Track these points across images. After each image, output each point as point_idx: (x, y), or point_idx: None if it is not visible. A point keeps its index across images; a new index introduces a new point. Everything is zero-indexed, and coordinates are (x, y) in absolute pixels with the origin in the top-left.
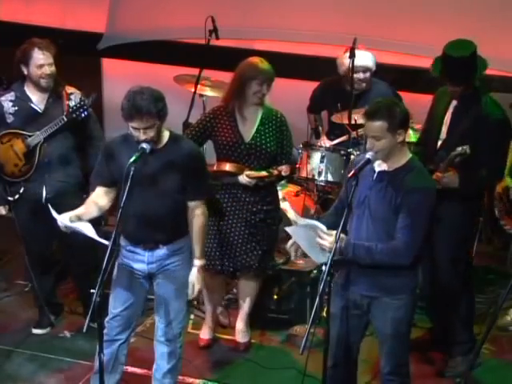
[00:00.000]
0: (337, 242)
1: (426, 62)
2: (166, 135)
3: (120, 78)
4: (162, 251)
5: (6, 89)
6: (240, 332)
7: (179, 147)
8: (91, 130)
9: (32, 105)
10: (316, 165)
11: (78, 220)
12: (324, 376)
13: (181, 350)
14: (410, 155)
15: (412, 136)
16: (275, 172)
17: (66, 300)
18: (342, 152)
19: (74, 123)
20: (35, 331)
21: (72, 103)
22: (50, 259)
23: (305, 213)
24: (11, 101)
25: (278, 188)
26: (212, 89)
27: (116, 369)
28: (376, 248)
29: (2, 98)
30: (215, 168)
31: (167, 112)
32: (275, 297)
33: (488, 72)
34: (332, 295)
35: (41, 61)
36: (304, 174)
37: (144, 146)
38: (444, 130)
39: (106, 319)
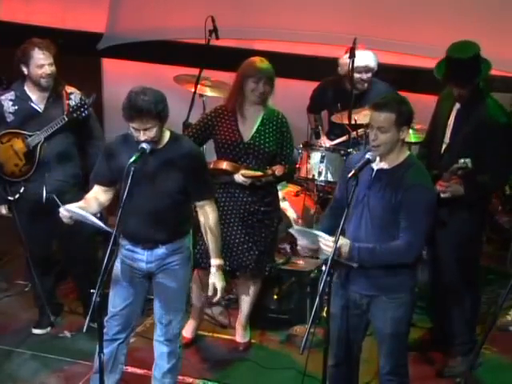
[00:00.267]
0: (336, 242)
1: (426, 62)
2: (166, 135)
3: (120, 78)
4: (161, 250)
5: (5, 89)
6: (240, 332)
7: (180, 147)
8: (91, 129)
9: (32, 104)
10: (316, 165)
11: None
12: (324, 376)
13: (180, 350)
14: (408, 153)
15: (412, 136)
16: (269, 172)
17: (65, 300)
18: (342, 152)
19: (74, 123)
20: (35, 331)
21: (72, 103)
22: (50, 259)
23: (305, 213)
24: (11, 100)
25: (278, 188)
26: (212, 89)
27: (115, 368)
28: (380, 248)
29: (2, 98)
30: (212, 166)
31: (168, 113)
32: (275, 297)
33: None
34: (332, 295)
35: (41, 61)
36: (304, 174)
37: (144, 145)
38: (448, 133)
39: (106, 318)
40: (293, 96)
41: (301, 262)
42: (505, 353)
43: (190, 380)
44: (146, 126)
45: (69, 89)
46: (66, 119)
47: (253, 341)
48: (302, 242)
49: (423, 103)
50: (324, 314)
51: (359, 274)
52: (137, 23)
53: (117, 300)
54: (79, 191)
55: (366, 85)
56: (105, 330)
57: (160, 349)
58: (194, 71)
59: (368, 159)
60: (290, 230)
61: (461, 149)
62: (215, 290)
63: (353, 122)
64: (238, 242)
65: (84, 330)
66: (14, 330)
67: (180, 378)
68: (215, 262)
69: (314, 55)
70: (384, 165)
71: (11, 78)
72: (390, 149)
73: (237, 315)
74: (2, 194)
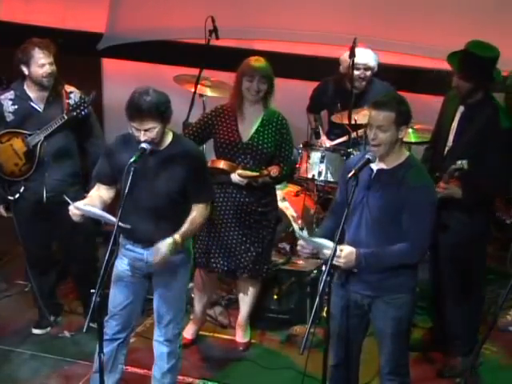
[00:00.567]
0: (336, 243)
1: (425, 62)
2: (169, 137)
3: (120, 78)
4: None
5: (5, 88)
6: (240, 332)
7: (181, 149)
8: (91, 128)
9: (32, 104)
10: (316, 165)
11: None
12: (324, 376)
13: (180, 350)
14: (408, 153)
15: (412, 136)
16: (264, 172)
17: (65, 300)
18: (342, 152)
19: (74, 121)
20: (35, 331)
21: (72, 102)
22: (50, 259)
23: (305, 213)
24: (11, 100)
25: (278, 188)
26: (212, 89)
27: (115, 368)
28: (385, 252)
29: (2, 97)
30: (209, 165)
31: (171, 115)
32: (275, 297)
33: None
34: (332, 295)
35: (42, 60)
36: (304, 174)
37: (144, 145)
38: (451, 136)
39: (106, 318)
40: (293, 96)
41: (301, 262)
42: (505, 353)
43: (190, 380)
44: (147, 127)
45: (68, 88)
46: (66, 118)
47: (253, 341)
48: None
49: (423, 103)
50: (324, 314)
51: (360, 274)
52: (137, 23)
53: (117, 300)
54: (79, 190)
55: (363, 83)
56: (105, 330)
57: (160, 349)
58: (194, 71)
59: (368, 159)
60: (297, 235)
61: (463, 152)
62: (157, 251)
63: (353, 122)
64: (236, 243)
65: (84, 330)
66: (14, 330)
67: (180, 377)
68: (176, 236)
69: (313, 55)
70: (384, 165)
71: (11, 77)
72: (389, 148)
73: (237, 315)
74: (1, 193)
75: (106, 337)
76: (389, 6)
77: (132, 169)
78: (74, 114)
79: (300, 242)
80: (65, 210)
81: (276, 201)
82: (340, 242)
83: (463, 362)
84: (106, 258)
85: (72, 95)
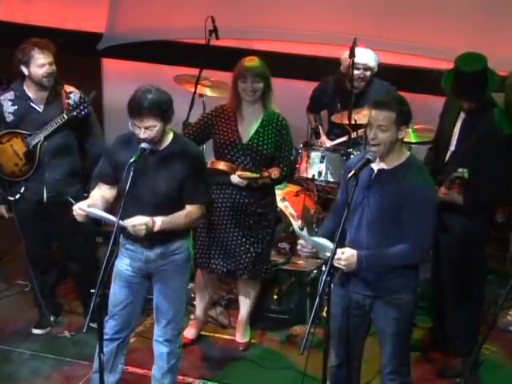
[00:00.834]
0: (336, 242)
1: (426, 62)
2: (169, 136)
3: (120, 78)
4: (158, 251)
5: (5, 89)
6: (240, 332)
7: (181, 149)
8: (91, 128)
9: (32, 104)
10: (316, 165)
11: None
12: (324, 376)
13: (180, 350)
14: (409, 153)
15: (412, 136)
16: (265, 174)
17: (65, 300)
18: (342, 152)
19: (73, 121)
20: (35, 331)
21: (71, 102)
22: (50, 259)
23: (305, 213)
24: (10, 100)
25: (279, 188)
26: (212, 89)
27: (115, 368)
28: (387, 253)
29: (2, 98)
30: (209, 165)
31: (172, 115)
32: (275, 297)
33: None
34: (333, 295)
35: (41, 60)
36: (304, 174)
37: (144, 145)
38: (453, 141)
39: (105, 318)
40: (293, 96)
41: (301, 261)
42: (505, 353)
43: (190, 380)
44: (147, 125)
45: (68, 88)
46: (66, 118)
47: (253, 341)
48: (303, 243)
49: (423, 103)
50: (324, 314)
51: (361, 275)
52: (137, 23)
53: (117, 300)
54: (79, 190)
55: (363, 83)
56: (104, 330)
57: (159, 349)
58: (194, 71)
59: (368, 159)
60: (297, 234)
61: (465, 157)
62: (135, 219)
63: (353, 122)
64: (236, 244)
65: (84, 330)
66: (14, 330)
67: (180, 377)
68: (157, 219)
69: (313, 55)
70: (384, 165)
71: (11, 77)
72: (389, 148)
73: (237, 315)
74: (2, 194)
75: (105, 337)
76: (389, 6)
77: (132, 169)
78: (74, 113)
79: (300, 241)
80: (65, 210)
81: (275, 201)
82: (341, 242)
83: (463, 362)
84: (106, 257)
85: (72, 95)
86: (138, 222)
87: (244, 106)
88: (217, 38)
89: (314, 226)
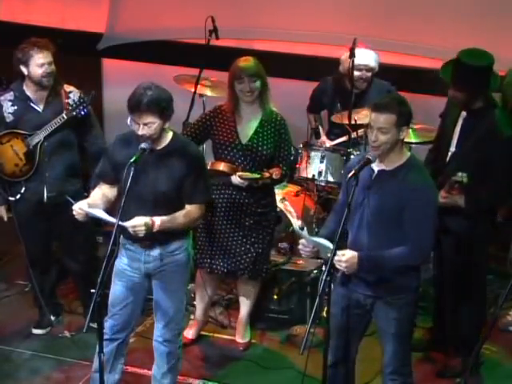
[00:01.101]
0: (336, 242)
1: (426, 62)
2: (168, 136)
3: (120, 78)
4: (158, 251)
5: (5, 89)
6: (240, 332)
7: (181, 148)
8: (91, 127)
9: (31, 104)
10: (316, 165)
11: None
12: (324, 376)
13: (180, 351)
14: (409, 154)
15: (412, 136)
16: (266, 174)
17: (65, 300)
18: (342, 152)
19: (73, 121)
20: (35, 331)
21: (71, 101)
22: (51, 259)
23: (305, 213)
24: (10, 100)
25: (279, 188)
26: (212, 89)
27: (115, 368)
28: (388, 256)
29: (1, 98)
30: (209, 167)
31: (171, 113)
32: (275, 297)
33: None
34: (333, 295)
35: (41, 60)
36: (304, 174)
37: (144, 145)
38: (454, 142)
39: (105, 318)
40: (293, 96)
41: (301, 261)
42: (505, 353)
43: (190, 380)
44: (146, 121)
45: (68, 88)
46: (65, 118)
47: (253, 341)
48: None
49: (423, 103)
50: (324, 314)
51: (362, 275)
52: (137, 23)
53: (116, 300)
54: (80, 190)
55: (365, 84)
56: (104, 330)
57: (159, 349)
58: (194, 71)
59: (368, 159)
60: (297, 233)
61: (465, 158)
62: (135, 220)
63: (353, 122)
64: (236, 244)
65: (84, 330)
66: (14, 330)
67: (180, 377)
68: (157, 219)
69: (314, 55)
70: (385, 165)
71: (11, 77)
72: (390, 149)
73: (237, 315)
74: (2, 194)
75: (105, 337)
76: (389, 6)
77: (132, 169)
78: (74, 113)
79: (302, 240)
80: (65, 210)
81: (275, 201)
82: (342, 242)
83: (463, 362)
84: (106, 258)
85: (71, 95)
86: (137, 223)
87: (242, 106)
88: (217, 38)
89: (314, 226)
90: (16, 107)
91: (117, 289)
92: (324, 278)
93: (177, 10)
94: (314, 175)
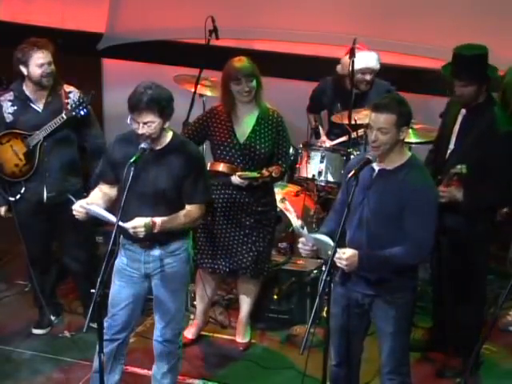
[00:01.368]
0: (336, 242)
1: (426, 62)
2: (168, 136)
3: (120, 78)
4: (157, 251)
5: (5, 89)
6: (240, 332)
7: (180, 149)
8: (91, 128)
9: (31, 104)
10: (316, 165)
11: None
12: (324, 376)
13: (180, 351)
14: (410, 154)
15: (412, 136)
16: (266, 173)
17: (65, 300)
18: (342, 152)
19: (73, 121)
20: (35, 331)
21: (71, 101)
22: (50, 259)
23: (305, 213)
24: (10, 101)
25: (279, 188)
26: (212, 89)
27: (115, 369)
28: (389, 255)
29: (1, 98)
30: (208, 168)
31: (171, 113)
32: (275, 297)
33: None
34: (333, 294)
35: (40, 60)
36: (304, 174)
37: (144, 145)
38: (453, 139)
39: (105, 318)
40: (293, 96)
41: (301, 261)
42: (505, 353)
43: (190, 380)
44: (145, 120)
45: (67, 88)
46: (65, 118)
47: (253, 341)
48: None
49: (423, 103)
50: (324, 314)
51: (361, 274)
52: (137, 23)
53: (116, 300)
54: (80, 189)
55: (368, 86)
56: (104, 330)
57: (159, 349)
58: (194, 71)
59: (368, 159)
60: (296, 231)
61: (465, 155)
62: (135, 221)
63: (353, 122)
64: (237, 244)
65: (84, 330)
66: (14, 330)
67: (180, 377)
68: (157, 219)
69: (314, 55)
70: (385, 165)
71: (11, 77)
72: (390, 149)
73: (237, 315)
74: (2, 194)
75: (105, 337)
76: (389, 6)
77: (132, 169)
78: (73, 113)
79: (301, 239)
80: (65, 210)
81: (275, 200)
82: (340, 242)
83: (463, 362)
84: (106, 257)
85: (71, 95)
86: (137, 224)
87: (238, 106)
88: (217, 38)
89: (314, 225)
90: (16, 107)
91: (117, 289)
92: (324, 278)
93: (177, 10)
94: (313, 175)
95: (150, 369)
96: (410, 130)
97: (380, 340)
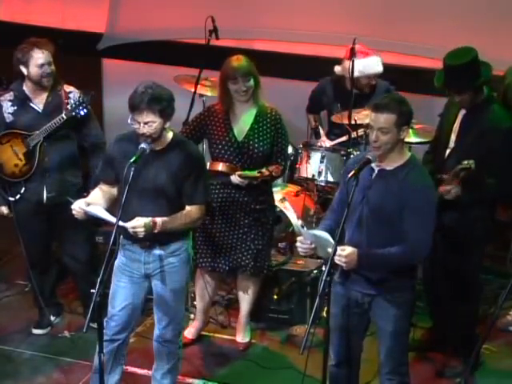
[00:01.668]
0: (336, 241)
1: (426, 62)
2: (169, 136)
3: (120, 78)
4: (157, 252)
5: (5, 89)
6: (240, 332)
7: (181, 149)
8: (90, 127)
9: (31, 104)
10: (316, 165)
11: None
12: (324, 376)
13: (180, 351)
14: (410, 154)
15: (412, 136)
16: (266, 172)
17: (65, 300)
18: (342, 152)
19: (73, 121)
20: (35, 331)
21: (71, 101)
22: (50, 259)
23: (305, 213)
24: (10, 101)
25: (279, 188)
26: (212, 89)
27: (115, 369)
28: (385, 253)
29: (1, 98)
30: (208, 168)
31: (172, 113)
32: (275, 297)
33: None
34: (333, 294)
35: (41, 60)
36: (304, 174)
37: (144, 146)
38: (453, 138)
39: (105, 319)
40: (293, 96)
41: (301, 261)
42: (505, 353)
43: (190, 380)
44: (146, 120)
45: (67, 88)
46: (65, 118)
47: (253, 341)
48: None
49: (423, 103)
50: (324, 314)
51: (360, 273)
52: (137, 23)
53: (116, 300)
54: (80, 190)
55: (372, 88)
56: (104, 331)
57: (159, 349)
58: (194, 71)
59: (368, 159)
60: (296, 230)
61: (465, 154)
62: (135, 221)
63: (353, 122)
64: (237, 242)
65: (84, 330)
66: (14, 330)
67: (180, 377)
68: (158, 219)
69: (314, 55)
70: (385, 165)
71: (11, 77)
72: (391, 149)
73: (237, 315)
74: (2, 194)
75: (105, 337)
76: (389, 7)
77: (132, 169)
78: (73, 113)
79: (299, 238)
80: (65, 210)
81: (273, 198)
82: (340, 241)
83: (463, 362)
84: (106, 258)
85: (71, 95)
86: (137, 224)
87: (236, 104)
88: (217, 38)
89: (314, 225)
90: (16, 107)
91: (116, 289)
92: (324, 278)
93: (177, 10)
94: (313, 175)
95: (149, 369)
96: (410, 130)
97: (379, 340)
